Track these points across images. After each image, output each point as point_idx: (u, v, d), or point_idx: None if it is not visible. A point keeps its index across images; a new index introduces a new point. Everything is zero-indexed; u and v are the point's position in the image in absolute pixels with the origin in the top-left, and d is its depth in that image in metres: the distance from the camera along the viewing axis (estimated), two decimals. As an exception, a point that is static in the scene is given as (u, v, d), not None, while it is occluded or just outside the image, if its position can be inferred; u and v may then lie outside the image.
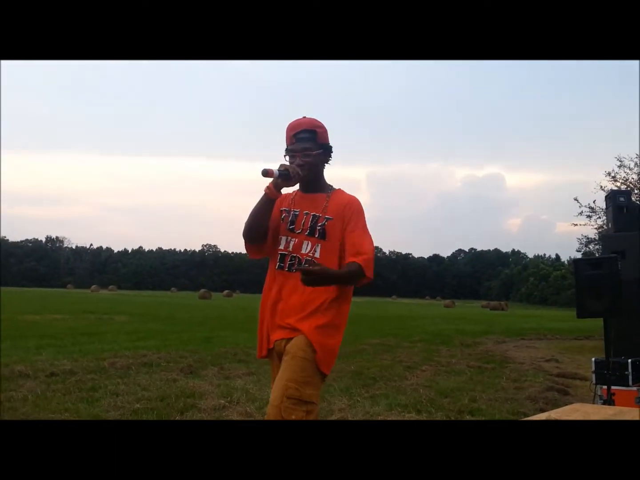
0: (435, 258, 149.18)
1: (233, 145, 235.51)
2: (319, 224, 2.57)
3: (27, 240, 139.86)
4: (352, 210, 2.59)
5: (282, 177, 2.49)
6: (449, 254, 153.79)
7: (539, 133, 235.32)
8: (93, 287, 74.57)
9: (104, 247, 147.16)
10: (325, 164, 2.67)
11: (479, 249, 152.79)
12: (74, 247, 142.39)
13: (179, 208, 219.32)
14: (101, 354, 8.74)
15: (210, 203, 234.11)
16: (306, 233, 2.58)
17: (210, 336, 12.63)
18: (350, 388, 6.60)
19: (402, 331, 16.32)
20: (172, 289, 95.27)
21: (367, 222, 2.63)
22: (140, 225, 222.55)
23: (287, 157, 2.61)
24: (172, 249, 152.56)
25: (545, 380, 7.86)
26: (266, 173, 2.44)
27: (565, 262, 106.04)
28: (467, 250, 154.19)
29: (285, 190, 2.63)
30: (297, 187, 2.70)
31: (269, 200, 2.54)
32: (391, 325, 19.72)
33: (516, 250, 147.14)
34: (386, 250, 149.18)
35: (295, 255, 2.58)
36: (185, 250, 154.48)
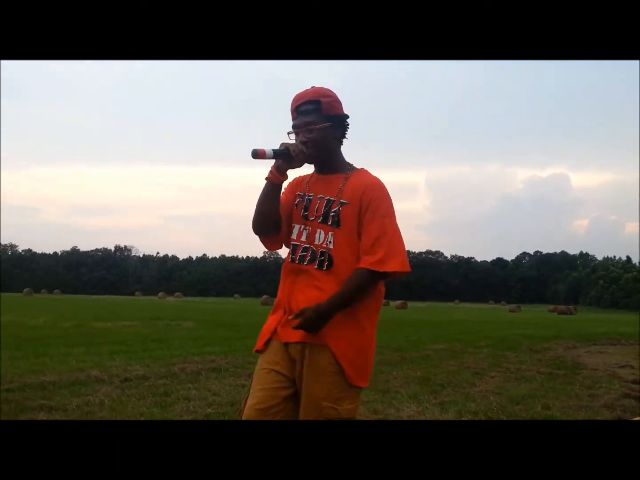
0: (499, 261, 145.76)
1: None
2: (333, 210, 2.21)
3: (97, 249, 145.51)
4: (372, 194, 2.19)
5: (282, 157, 2.12)
6: (513, 257, 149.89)
7: (605, 131, 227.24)
8: (160, 294, 76.98)
9: (170, 255, 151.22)
10: (341, 140, 2.30)
11: (544, 251, 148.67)
12: (141, 255, 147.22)
13: (241, 216, 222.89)
14: (171, 359, 8.97)
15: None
16: (319, 220, 2.24)
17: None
18: (418, 394, 6.53)
19: (466, 336, 16.03)
20: (235, 295, 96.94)
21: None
22: (204, 233, 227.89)
23: (292, 136, 2.25)
24: (235, 256, 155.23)
25: (621, 387, 7.55)
26: (255, 154, 2.05)
27: (637, 264, 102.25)
28: (532, 253, 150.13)
29: (302, 173, 2.36)
30: (313, 168, 2.37)
31: (273, 185, 2.21)
32: (455, 330, 19.39)
33: (584, 252, 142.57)
34: (448, 254, 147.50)
35: (308, 246, 2.24)
36: (248, 257, 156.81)
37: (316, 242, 2.22)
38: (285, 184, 2.27)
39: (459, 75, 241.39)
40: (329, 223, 2.21)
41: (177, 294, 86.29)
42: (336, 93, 2.31)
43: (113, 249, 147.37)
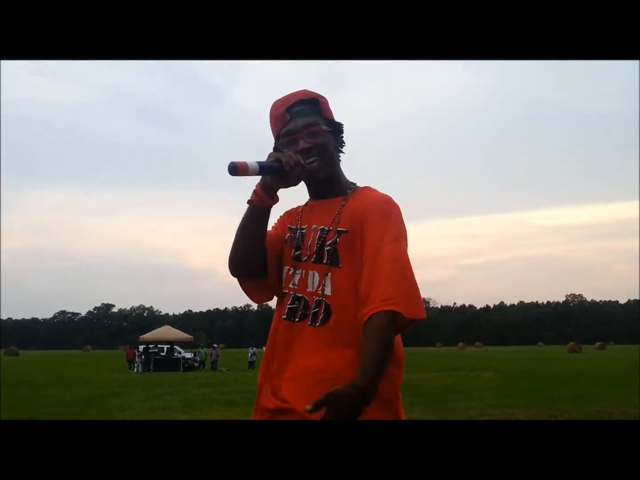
0: None
1: (585, 188, 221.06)
2: (328, 242, 1.63)
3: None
4: (375, 214, 1.59)
5: (271, 172, 1.56)
6: None
7: None
8: (460, 344, 77.96)
9: (467, 304, 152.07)
10: (339, 154, 1.74)
11: None
12: (439, 307, 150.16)
13: (536, 259, 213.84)
14: (467, 411, 8.95)
15: (572, 251, 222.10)
16: (312, 259, 1.65)
17: (581, 393, 11.80)
18: None
19: None
20: (539, 343, 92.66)
21: None
22: (499, 281, 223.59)
23: (282, 148, 1.68)
24: (534, 302, 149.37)
25: None
26: (234, 169, 1.47)
27: None
28: None
29: (293, 197, 1.79)
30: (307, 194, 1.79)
31: (257, 211, 1.62)
32: None
33: None
34: None
35: (300, 295, 1.64)
36: (548, 302, 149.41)
37: (309, 289, 1.64)
38: (275, 216, 1.75)
39: None
40: (324, 261, 1.62)
41: (477, 343, 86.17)
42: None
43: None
